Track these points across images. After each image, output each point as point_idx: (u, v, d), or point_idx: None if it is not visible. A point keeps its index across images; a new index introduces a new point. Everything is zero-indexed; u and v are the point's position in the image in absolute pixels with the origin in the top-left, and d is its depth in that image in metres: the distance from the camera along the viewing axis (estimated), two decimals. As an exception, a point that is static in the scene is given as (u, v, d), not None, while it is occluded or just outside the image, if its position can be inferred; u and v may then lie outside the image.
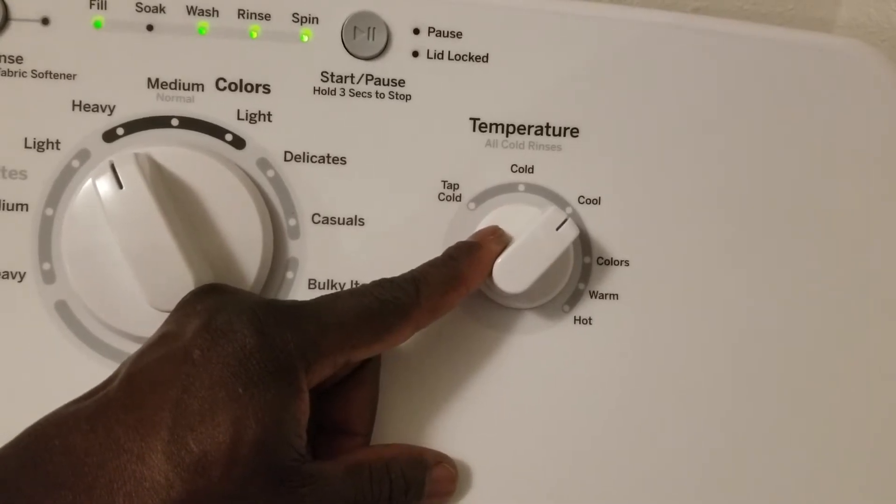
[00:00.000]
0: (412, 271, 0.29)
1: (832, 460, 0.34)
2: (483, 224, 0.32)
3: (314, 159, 0.32)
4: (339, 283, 0.32)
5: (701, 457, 0.33)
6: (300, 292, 0.32)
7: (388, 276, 0.29)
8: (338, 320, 0.26)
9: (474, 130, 0.32)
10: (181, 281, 0.28)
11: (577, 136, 0.33)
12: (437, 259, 0.30)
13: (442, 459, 0.31)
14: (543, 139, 0.32)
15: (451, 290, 0.29)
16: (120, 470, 0.22)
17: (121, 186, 0.27)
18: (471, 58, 0.32)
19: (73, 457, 0.22)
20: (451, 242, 0.32)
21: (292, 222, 0.32)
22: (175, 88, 0.31)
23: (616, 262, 0.33)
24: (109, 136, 0.31)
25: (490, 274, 0.30)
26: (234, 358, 0.24)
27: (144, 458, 0.22)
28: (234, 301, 0.26)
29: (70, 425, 0.23)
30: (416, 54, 0.32)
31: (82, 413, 0.23)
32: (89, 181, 0.29)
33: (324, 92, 0.32)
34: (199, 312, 0.26)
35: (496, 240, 0.31)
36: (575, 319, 0.33)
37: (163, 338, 0.25)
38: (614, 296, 0.33)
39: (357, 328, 0.27)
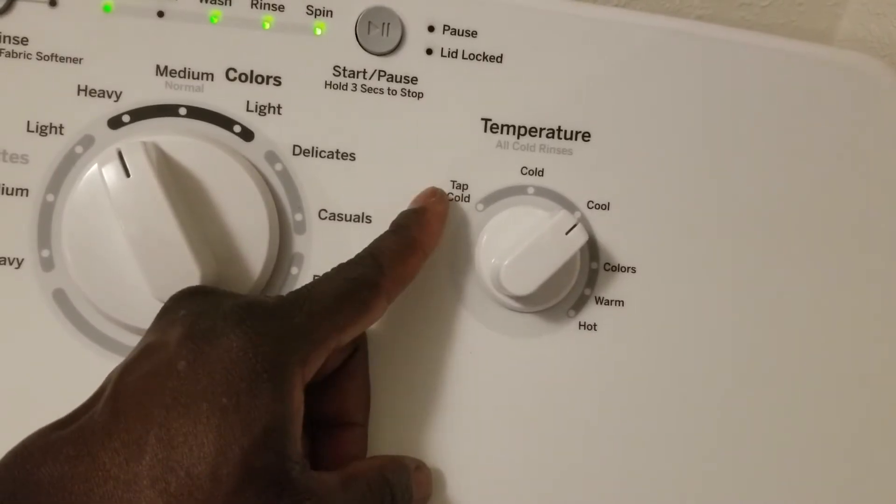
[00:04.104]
0: (367, 248, 0.29)
1: (841, 470, 0.34)
2: (491, 226, 0.32)
3: (323, 154, 0.31)
4: (344, 281, 0.31)
5: (706, 465, 0.33)
6: (304, 288, 0.31)
7: None
8: (321, 307, 0.26)
9: (486, 131, 0.32)
10: (186, 272, 0.27)
11: (588, 141, 0.32)
12: (386, 232, 0.30)
13: (419, 463, 0.31)
14: (555, 142, 0.32)
15: (410, 256, 0.29)
16: (107, 498, 0.21)
17: (128, 175, 0.27)
18: (485, 57, 0.32)
19: (60, 485, 0.22)
20: (459, 244, 0.32)
21: (298, 217, 0.31)
22: (184, 77, 0.30)
23: (623, 269, 0.33)
24: (115, 122, 0.30)
25: (497, 281, 0.30)
26: (220, 364, 0.23)
27: (131, 485, 0.21)
28: (217, 303, 0.25)
29: (55, 452, 0.22)
30: (429, 52, 0.32)
31: (67, 438, 0.22)
32: (94, 168, 0.28)
33: (335, 86, 0.31)
34: (181, 319, 0.25)
35: (439, 201, 0.31)
36: (580, 325, 0.32)
37: (146, 350, 0.24)
38: (620, 302, 0.33)
39: (340, 310, 0.26)
